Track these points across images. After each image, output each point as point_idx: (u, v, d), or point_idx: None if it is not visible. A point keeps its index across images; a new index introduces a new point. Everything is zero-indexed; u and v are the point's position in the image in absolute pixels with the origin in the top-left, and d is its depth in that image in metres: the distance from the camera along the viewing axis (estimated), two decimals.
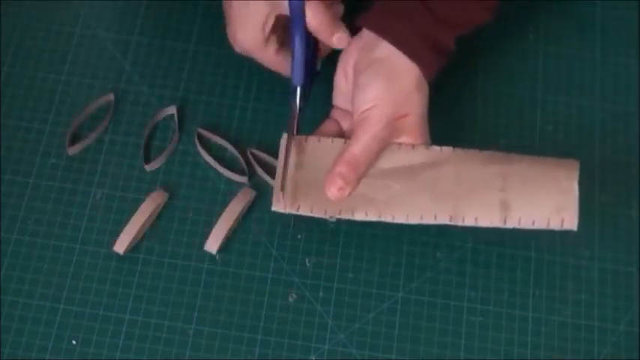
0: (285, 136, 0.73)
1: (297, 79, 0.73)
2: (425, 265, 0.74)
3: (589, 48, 0.84)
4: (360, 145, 0.69)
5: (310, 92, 0.75)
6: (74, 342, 0.70)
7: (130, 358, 0.70)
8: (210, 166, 0.77)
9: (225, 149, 0.78)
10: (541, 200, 0.68)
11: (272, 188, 0.75)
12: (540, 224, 0.68)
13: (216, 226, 0.73)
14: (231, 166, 0.77)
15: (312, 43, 0.73)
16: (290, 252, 0.74)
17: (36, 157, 0.78)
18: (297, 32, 0.71)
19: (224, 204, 0.75)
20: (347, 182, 0.69)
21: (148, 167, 0.77)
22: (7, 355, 0.70)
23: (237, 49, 0.75)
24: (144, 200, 0.74)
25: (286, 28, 0.75)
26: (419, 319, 0.72)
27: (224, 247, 0.73)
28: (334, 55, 0.75)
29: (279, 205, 0.71)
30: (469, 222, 0.69)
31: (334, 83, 0.74)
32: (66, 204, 0.76)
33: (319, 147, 0.72)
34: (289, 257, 0.74)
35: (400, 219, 0.70)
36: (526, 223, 0.68)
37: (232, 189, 0.76)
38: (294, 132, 0.73)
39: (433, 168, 0.70)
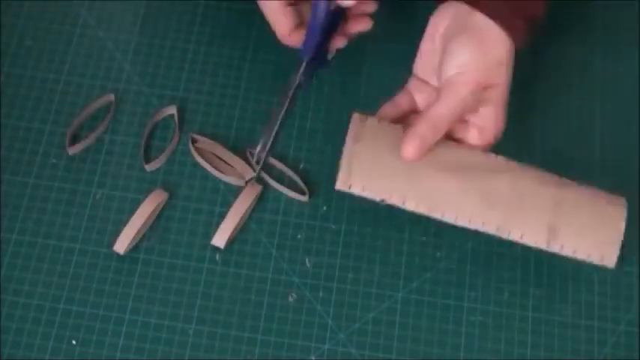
0: (355, 116, 0.71)
1: (307, 50, 0.71)
2: (425, 265, 0.74)
3: (589, 48, 0.84)
4: (444, 107, 0.68)
5: (313, 77, 0.73)
6: (74, 342, 0.70)
7: (130, 358, 0.70)
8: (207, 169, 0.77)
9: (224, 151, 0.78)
10: (587, 233, 0.68)
11: (272, 188, 0.76)
12: (581, 255, 0.68)
13: (224, 220, 0.73)
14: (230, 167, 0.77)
15: (329, 25, 0.71)
16: (290, 252, 0.74)
17: (36, 157, 0.78)
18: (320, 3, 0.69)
19: (224, 204, 0.75)
20: (424, 142, 0.67)
21: (148, 167, 0.77)
22: (7, 355, 0.70)
23: None
24: (144, 200, 0.74)
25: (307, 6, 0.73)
26: (419, 319, 0.72)
27: (224, 248, 0.73)
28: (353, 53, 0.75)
29: (341, 185, 0.69)
30: (515, 237, 0.68)
31: (419, 49, 0.73)
32: (66, 204, 0.76)
33: (378, 128, 0.70)
34: (289, 257, 0.74)
35: (449, 218, 0.69)
36: (567, 251, 0.68)
37: (232, 189, 0.76)
38: (287, 104, 0.71)
39: (489, 174, 0.69)
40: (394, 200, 0.69)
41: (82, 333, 0.71)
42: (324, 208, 0.76)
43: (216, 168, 0.77)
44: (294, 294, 0.73)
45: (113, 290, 0.72)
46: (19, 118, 0.79)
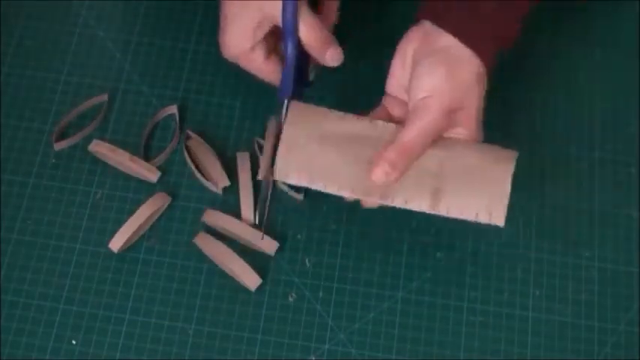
0: (292, 103, 0.71)
1: (285, 92, 0.72)
2: (425, 265, 0.74)
3: (589, 49, 0.84)
4: (413, 133, 0.67)
5: (301, 94, 0.73)
6: (74, 342, 0.70)
7: (130, 358, 0.70)
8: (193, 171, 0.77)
9: (223, 150, 0.78)
10: (473, 193, 0.67)
11: None
12: (468, 216, 0.67)
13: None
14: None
15: (304, 53, 0.72)
16: (290, 252, 0.74)
17: (36, 157, 0.78)
18: (289, 46, 0.70)
19: (224, 204, 0.75)
20: (394, 168, 0.67)
21: None
22: (7, 355, 0.70)
23: (225, 53, 0.74)
24: (145, 201, 0.74)
25: (277, 35, 0.73)
26: (419, 319, 0.72)
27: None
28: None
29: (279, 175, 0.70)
30: (398, 203, 0.68)
31: (390, 70, 0.72)
32: (66, 204, 0.76)
33: (304, 110, 0.71)
34: (289, 257, 0.74)
35: (332, 190, 0.68)
36: (454, 213, 0.68)
37: (233, 189, 0.76)
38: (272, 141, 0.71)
39: (375, 142, 0.69)
40: (279, 177, 0.69)
41: (82, 333, 0.71)
42: (324, 208, 0.76)
43: (201, 169, 0.77)
44: (294, 294, 0.73)
45: (113, 290, 0.72)
46: (19, 118, 0.79)
